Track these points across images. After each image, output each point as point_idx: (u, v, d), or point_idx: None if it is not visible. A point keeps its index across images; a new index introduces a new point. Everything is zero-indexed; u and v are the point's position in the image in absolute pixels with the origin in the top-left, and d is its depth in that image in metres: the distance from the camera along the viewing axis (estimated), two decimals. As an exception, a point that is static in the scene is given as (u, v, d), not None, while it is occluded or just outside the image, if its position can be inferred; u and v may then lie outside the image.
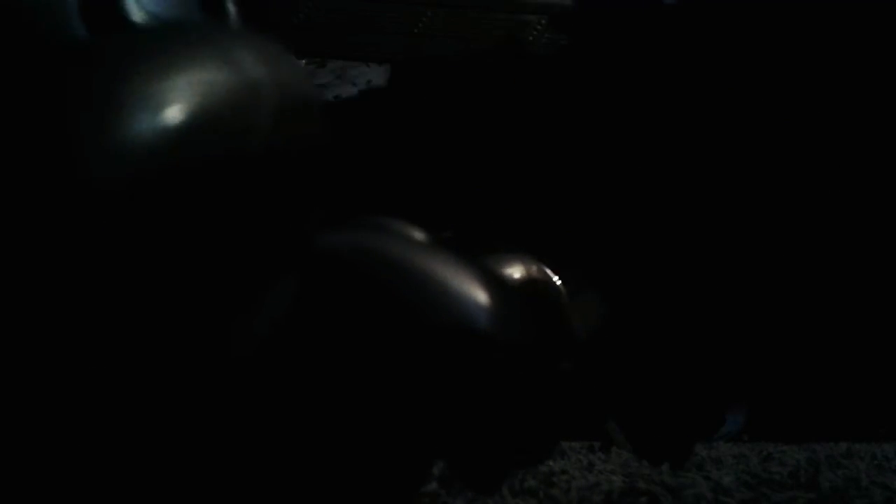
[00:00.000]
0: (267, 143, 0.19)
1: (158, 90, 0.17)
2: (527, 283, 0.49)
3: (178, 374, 0.17)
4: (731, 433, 1.81)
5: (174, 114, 0.17)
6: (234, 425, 0.19)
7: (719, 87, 0.38)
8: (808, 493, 0.40)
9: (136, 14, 0.23)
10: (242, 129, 0.19)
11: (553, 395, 0.22)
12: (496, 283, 0.22)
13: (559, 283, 0.51)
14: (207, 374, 0.18)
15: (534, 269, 0.51)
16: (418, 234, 0.36)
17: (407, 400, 0.19)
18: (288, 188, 0.21)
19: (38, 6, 0.21)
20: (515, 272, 0.49)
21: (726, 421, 1.95)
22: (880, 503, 0.39)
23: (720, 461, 0.70)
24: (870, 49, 0.37)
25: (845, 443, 1.10)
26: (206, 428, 0.18)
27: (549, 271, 0.51)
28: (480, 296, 0.21)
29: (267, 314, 0.19)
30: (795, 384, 1.81)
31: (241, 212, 0.18)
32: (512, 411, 0.21)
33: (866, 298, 1.62)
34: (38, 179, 0.15)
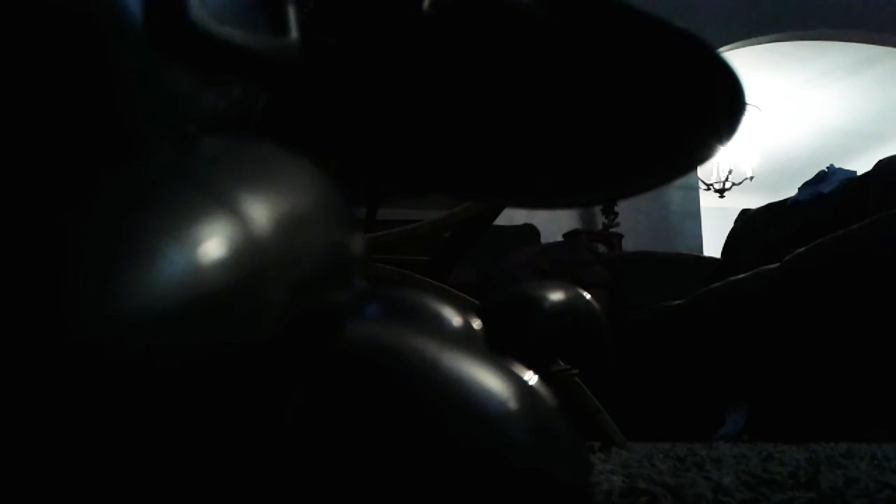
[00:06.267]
0: (277, 327, 0.16)
1: (145, 259, 0.14)
2: (568, 304, 0.52)
3: None
4: (731, 433, 1.82)
5: (166, 288, 0.14)
6: None
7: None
8: (808, 493, 0.40)
9: (204, 23, 0.20)
10: (245, 314, 0.15)
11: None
12: (530, 396, 0.20)
13: (596, 304, 0.54)
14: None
15: (573, 293, 0.53)
16: (455, 321, 0.33)
17: None
18: (301, 360, 0.17)
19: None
20: (558, 295, 0.52)
21: (726, 421, 1.95)
22: (880, 503, 0.39)
23: (720, 461, 0.70)
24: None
25: (845, 443, 1.11)
26: None
27: (587, 294, 0.54)
28: (513, 414, 0.19)
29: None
30: (795, 385, 1.82)
31: (240, 389, 0.16)
32: None
33: (866, 299, 1.63)
34: (26, 334, 0.13)
